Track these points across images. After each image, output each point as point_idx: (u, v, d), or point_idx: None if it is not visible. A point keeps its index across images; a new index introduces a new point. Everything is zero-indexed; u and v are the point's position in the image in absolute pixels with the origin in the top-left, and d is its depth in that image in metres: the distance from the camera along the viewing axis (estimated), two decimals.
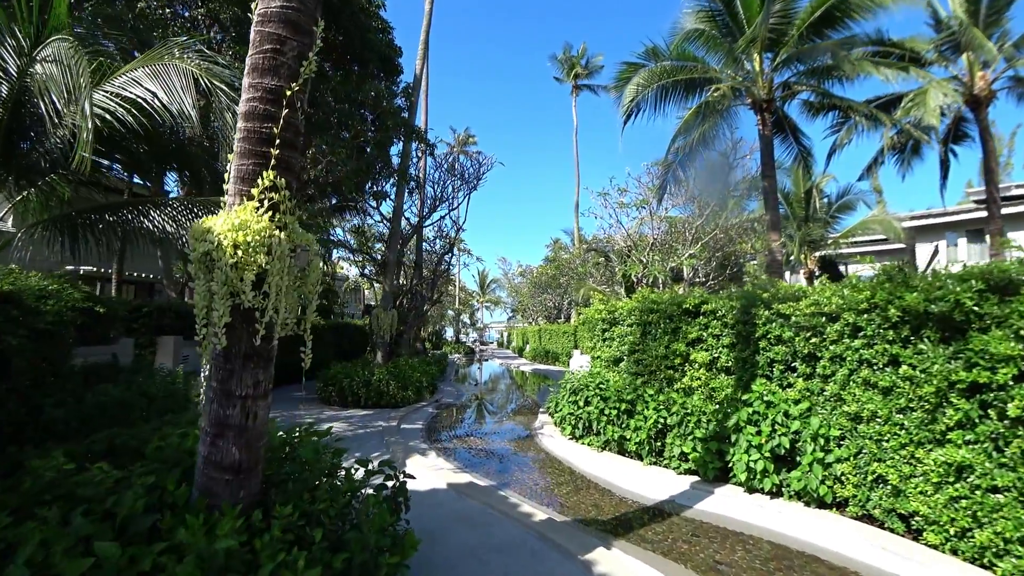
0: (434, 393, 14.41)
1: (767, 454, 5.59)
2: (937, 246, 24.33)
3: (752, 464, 5.64)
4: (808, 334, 5.71)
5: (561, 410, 9.02)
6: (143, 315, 10.87)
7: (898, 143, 16.84)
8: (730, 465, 5.92)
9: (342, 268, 37.59)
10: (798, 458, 5.46)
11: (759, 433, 5.71)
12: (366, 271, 16.63)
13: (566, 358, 30.10)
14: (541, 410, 12.01)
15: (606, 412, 7.70)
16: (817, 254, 25.26)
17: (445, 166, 16.56)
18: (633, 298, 8.80)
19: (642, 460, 7.13)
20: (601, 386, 8.25)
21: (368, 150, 12.48)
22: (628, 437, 7.29)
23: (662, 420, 6.89)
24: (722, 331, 6.85)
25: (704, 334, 7.12)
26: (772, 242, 11.94)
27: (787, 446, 5.48)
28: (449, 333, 62.60)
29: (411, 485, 4.15)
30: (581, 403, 8.35)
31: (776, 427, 5.63)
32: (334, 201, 22.98)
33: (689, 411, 6.65)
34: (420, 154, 16.43)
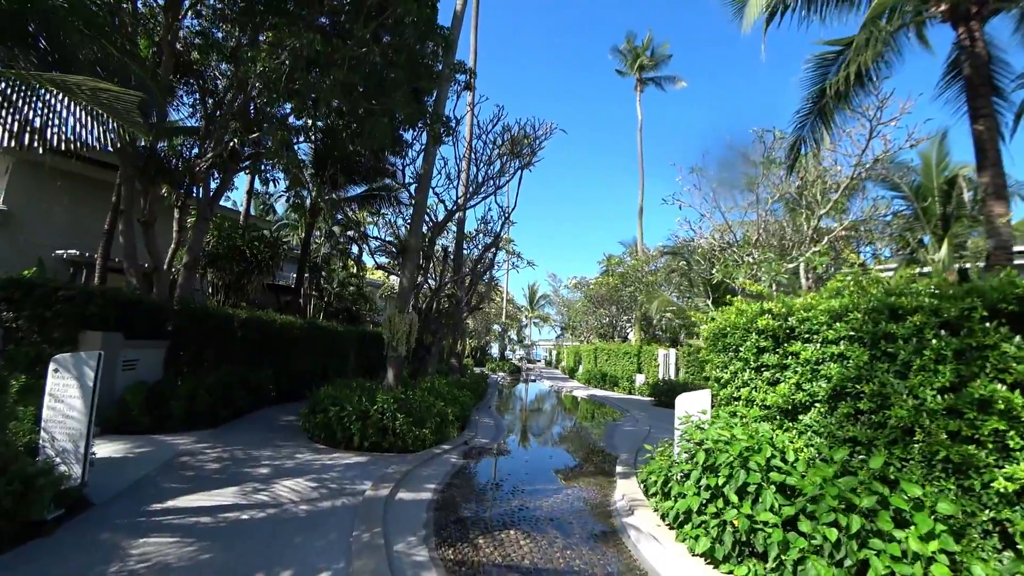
0: (464, 428, 10.60)
1: None
2: None
3: None
4: None
5: (676, 498, 4.99)
6: (59, 301, 7.69)
7: None
8: None
9: (374, 273, 34.78)
10: None
11: None
12: (376, 258, 12.99)
13: (627, 383, 25.67)
14: (619, 470, 7.96)
15: (808, 531, 3.62)
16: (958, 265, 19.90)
17: (492, 135, 12.92)
18: (843, 287, 4.72)
19: None
20: (777, 465, 4.18)
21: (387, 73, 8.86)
22: None
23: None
24: None
25: None
26: (996, 217, 7.52)
27: None
28: (494, 350, 59.04)
29: None
30: (730, 494, 4.29)
31: None
32: (360, 190, 19.92)
33: None
34: (465, 102, 12.88)
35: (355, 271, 22.85)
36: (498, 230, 13.44)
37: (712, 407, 6.24)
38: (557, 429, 13.61)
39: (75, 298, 7.80)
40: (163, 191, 12.16)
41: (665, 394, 18.89)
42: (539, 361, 74.64)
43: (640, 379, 25.14)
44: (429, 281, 13.40)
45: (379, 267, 12.15)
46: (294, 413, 10.82)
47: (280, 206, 35.35)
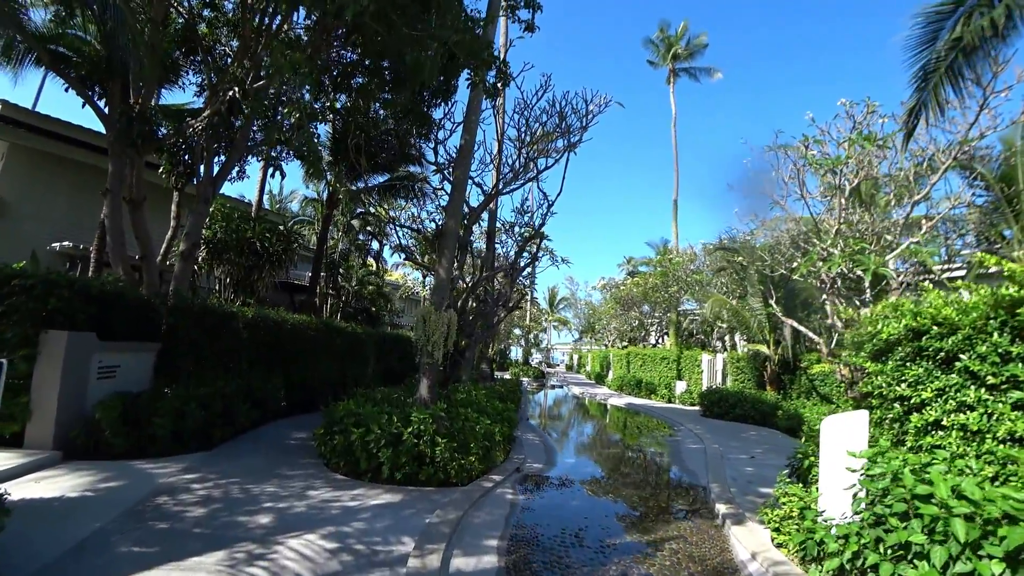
0: (510, 449, 8.81)
1: None
2: None
3: None
4: None
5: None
6: (14, 293, 6.10)
7: None
8: None
9: (393, 274, 33.18)
10: None
11: None
12: (403, 241, 11.14)
13: (665, 391, 23.65)
14: (721, 509, 6.11)
15: None
16: None
17: (536, 109, 11.18)
18: None
19: None
20: None
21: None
22: None
23: None
24: None
25: None
26: None
27: None
28: (515, 353, 57.26)
29: None
30: None
31: None
32: (381, 179, 18.27)
33: None
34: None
35: (374, 269, 21.24)
36: (540, 220, 11.65)
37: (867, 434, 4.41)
38: (613, 448, 11.76)
39: (33, 289, 6.19)
40: (160, 171, 10.64)
41: (717, 404, 16.95)
42: (558, 365, 72.69)
43: (681, 386, 23.14)
44: (465, 277, 11.67)
45: (407, 258, 10.40)
46: (307, 428, 9.15)
47: (295, 205, 34.06)
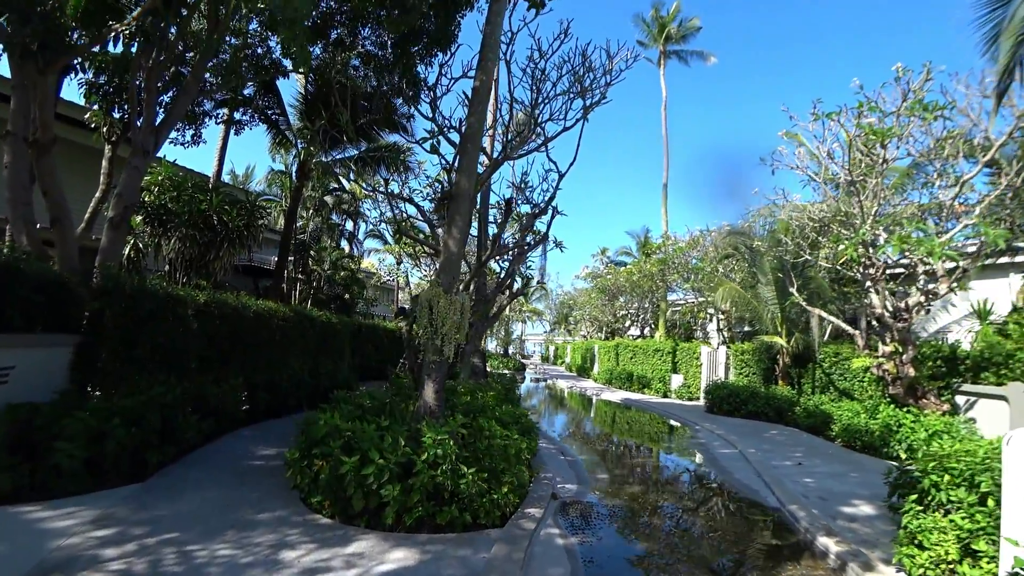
0: (530, 464, 7.15)
1: None
2: None
3: None
4: None
5: None
6: None
7: None
8: None
9: (364, 261, 30.95)
10: None
11: None
12: (402, 209, 9.07)
13: (660, 385, 22.42)
14: (833, 547, 4.64)
15: None
16: None
17: (551, 62, 9.50)
18: None
19: None
20: None
21: None
22: None
23: None
24: None
25: None
26: None
27: None
28: (490, 344, 55.63)
29: None
30: None
31: None
32: (359, 150, 16.17)
33: None
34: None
35: (348, 252, 19.17)
36: (551, 193, 9.98)
37: None
38: (640, 457, 10.26)
39: None
40: (87, 119, 8.46)
41: (726, 400, 15.71)
42: (531, 357, 71.40)
43: (677, 381, 21.93)
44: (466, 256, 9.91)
45: (399, 232, 8.47)
46: (274, 441, 7.31)
47: (259, 186, 31.31)
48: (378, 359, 17.32)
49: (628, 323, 34.58)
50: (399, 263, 23.10)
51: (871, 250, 11.01)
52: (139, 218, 10.22)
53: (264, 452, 6.84)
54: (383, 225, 10.83)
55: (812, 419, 12.94)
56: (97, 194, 7.79)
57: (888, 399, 11.46)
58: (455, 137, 8.66)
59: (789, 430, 13.14)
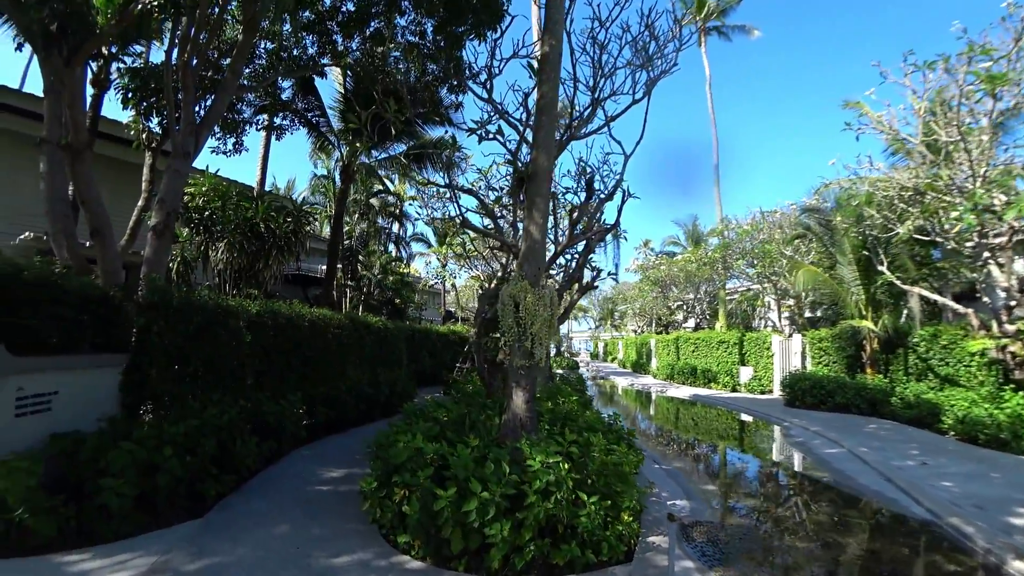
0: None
1: None
2: None
3: None
4: None
5: None
6: None
7: None
8: None
9: (416, 271, 30.57)
10: None
11: None
12: (459, 204, 8.03)
13: (727, 378, 20.92)
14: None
15: None
16: None
17: (611, 32, 8.45)
18: None
19: None
20: None
21: None
22: None
23: None
24: None
25: None
26: None
27: None
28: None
29: None
30: None
31: None
32: (402, 148, 15.52)
33: None
34: None
35: (396, 255, 18.62)
36: (620, 172, 8.93)
37: None
38: (741, 462, 9.14)
39: None
40: (126, 127, 8.04)
41: (809, 392, 14.27)
42: (579, 354, 70.06)
43: (746, 373, 20.42)
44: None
45: (464, 225, 7.59)
46: (341, 462, 6.59)
47: (300, 197, 31.40)
48: (432, 364, 16.72)
49: (681, 316, 32.99)
50: (444, 265, 22.49)
51: (988, 216, 9.54)
52: (185, 230, 9.82)
53: (331, 474, 6.13)
54: (434, 225, 10.06)
55: (914, 410, 11.45)
56: (139, 203, 7.33)
57: (1012, 385, 9.93)
58: (514, 121, 7.78)
59: (889, 423, 11.69)
